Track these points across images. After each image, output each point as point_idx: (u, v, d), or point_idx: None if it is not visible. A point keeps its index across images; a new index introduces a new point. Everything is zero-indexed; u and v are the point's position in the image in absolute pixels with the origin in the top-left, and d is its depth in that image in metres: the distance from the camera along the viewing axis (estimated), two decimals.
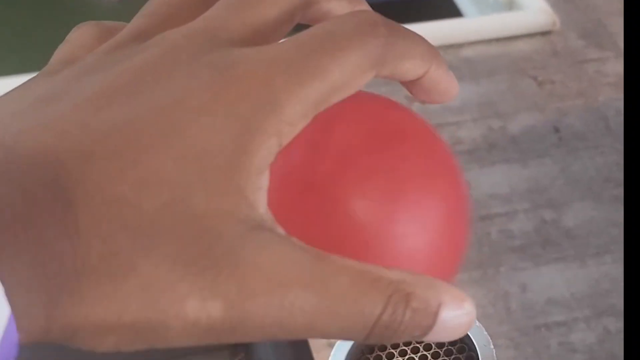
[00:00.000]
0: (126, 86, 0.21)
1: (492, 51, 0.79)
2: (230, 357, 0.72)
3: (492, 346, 0.42)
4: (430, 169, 0.26)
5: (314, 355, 0.57)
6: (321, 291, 0.21)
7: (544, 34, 0.80)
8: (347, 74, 0.22)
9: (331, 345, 0.44)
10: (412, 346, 0.43)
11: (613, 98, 0.77)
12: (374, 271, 0.22)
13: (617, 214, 0.69)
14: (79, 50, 0.24)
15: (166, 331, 0.20)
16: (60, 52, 0.25)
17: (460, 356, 0.43)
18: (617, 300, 0.66)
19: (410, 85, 0.25)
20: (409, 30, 0.23)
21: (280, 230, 0.21)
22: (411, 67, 0.23)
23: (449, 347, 0.43)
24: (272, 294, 0.20)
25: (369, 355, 0.44)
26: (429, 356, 0.43)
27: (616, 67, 0.79)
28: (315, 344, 0.58)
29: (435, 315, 0.22)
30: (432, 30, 0.80)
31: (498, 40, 0.81)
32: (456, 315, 0.22)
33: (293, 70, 0.21)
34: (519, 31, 0.81)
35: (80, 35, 0.24)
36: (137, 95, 0.21)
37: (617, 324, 0.64)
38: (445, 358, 0.43)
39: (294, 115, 0.21)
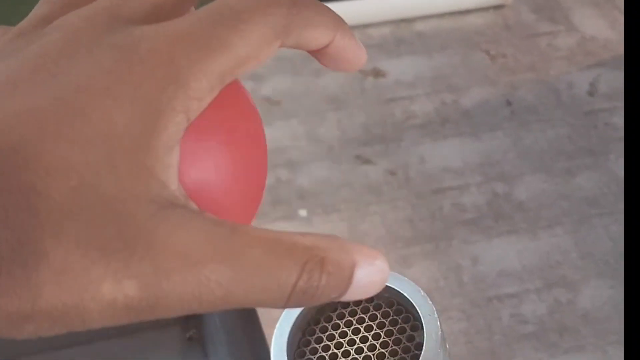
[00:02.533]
0: (29, 74, 0.21)
1: (445, 25, 0.79)
2: (182, 333, 0.72)
3: (436, 315, 0.42)
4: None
5: (265, 330, 0.57)
6: (236, 264, 0.21)
7: (497, 8, 0.80)
8: (251, 46, 0.22)
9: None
10: (357, 317, 0.43)
11: (564, 72, 0.77)
12: (286, 239, 0.22)
13: (568, 186, 0.70)
14: None
15: (84, 314, 0.20)
16: None
17: (405, 326, 0.43)
18: (567, 271, 0.67)
19: (318, 54, 0.25)
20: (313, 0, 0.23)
21: (193, 205, 0.21)
22: (316, 36, 0.24)
23: (395, 317, 0.43)
24: (188, 271, 0.20)
25: (314, 327, 0.44)
26: (375, 326, 0.43)
27: (567, 41, 0.80)
28: (264, 319, 0.58)
29: (350, 276, 0.22)
30: (385, 5, 0.80)
31: (451, 14, 0.81)
32: (369, 272, 0.22)
33: (196, 45, 0.21)
34: (472, 5, 0.81)
35: None
36: (40, 82, 0.20)
37: (567, 295, 0.65)
38: (391, 328, 0.43)
39: (200, 91, 0.21)
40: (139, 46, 0.21)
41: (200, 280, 0.20)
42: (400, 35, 0.78)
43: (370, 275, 0.22)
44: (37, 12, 0.24)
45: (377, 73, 0.72)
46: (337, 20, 0.24)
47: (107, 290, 0.20)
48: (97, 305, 0.20)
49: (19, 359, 0.67)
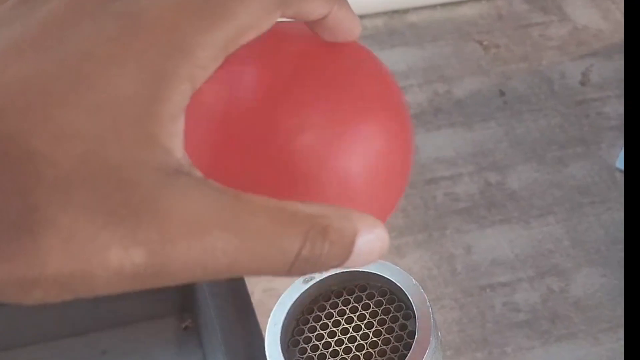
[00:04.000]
0: (33, 40, 0.21)
1: (438, 16, 0.79)
2: (178, 324, 0.72)
3: (428, 304, 0.43)
4: (368, 101, 0.26)
5: (259, 319, 0.57)
6: (240, 232, 0.21)
7: None
8: (253, 15, 0.22)
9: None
10: (350, 306, 0.44)
11: (556, 61, 0.77)
12: (289, 207, 0.22)
13: (560, 175, 0.70)
14: None
15: (91, 281, 0.20)
16: None
17: (398, 314, 0.44)
18: (560, 260, 0.67)
19: (315, 24, 0.26)
20: None
21: (198, 173, 0.22)
22: (315, 7, 0.24)
23: (387, 305, 0.44)
24: (193, 238, 0.21)
25: (308, 316, 0.45)
26: (368, 315, 0.43)
27: (559, 30, 0.80)
28: (258, 309, 0.58)
29: (352, 244, 0.23)
30: None
31: (443, 5, 0.81)
32: (369, 240, 0.23)
33: (200, 13, 0.21)
34: None
35: None
36: (46, 49, 0.21)
37: (559, 284, 0.65)
38: (384, 317, 0.43)
39: (204, 59, 0.21)
40: (143, 14, 0.22)
41: (205, 247, 0.21)
42: (393, 26, 0.78)
43: (370, 243, 0.23)
44: None
45: None
46: None
47: (114, 257, 0.20)
48: (104, 271, 0.20)
49: (14, 349, 0.68)
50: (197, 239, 0.20)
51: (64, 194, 0.19)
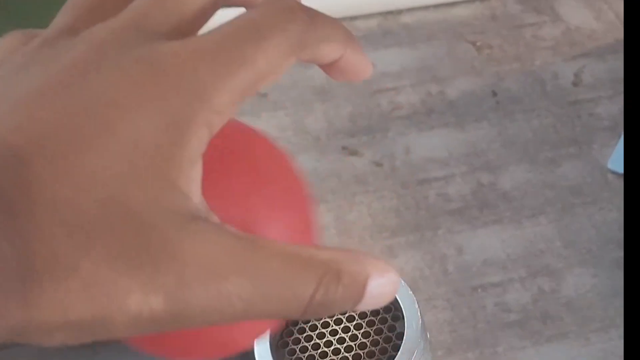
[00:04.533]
0: (57, 86, 0.21)
1: (431, 17, 0.80)
2: None
3: (417, 305, 0.43)
4: (276, 199, 0.28)
5: None
6: (255, 277, 0.21)
7: None
8: (271, 61, 0.23)
9: None
10: None
11: (549, 62, 0.78)
12: (304, 253, 0.23)
13: (552, 175, 0.71)
14: (7, 54, 0.24)
15: (111, 325, 0.20)
16: None
17: (387, 316, 0.44)
18: (551, 260, 0.67)
19: (328, 67, 0.26)
20: (326, 15, 0.24)
21: (215, 218, 0.22)
22: (329, 51, 0.25)
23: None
24: (210, 284, 0.21)
25: (292, 328, 0.45)
26: (357, 316, 0.44)
27: (552, 31, 0.80)
28: None
29: (364, 287, 0.23)
30: None
31: (437, 6, 0.81)
32: (381, 284, 0.23)
33: (220, 61, 0.22)
34: None
35: (7, 41, 0.25)
36: (68, 94, 0.21)
37: (551, 284, 0.66)
38: (373, 318, 0.44)
39: (222, 105, 0.22)
40: (165, 61, 0.22)
41: (222, 293, 0.21)
42: (387, 27, 0.78)
43: (381, 287, 0.24)
44: (61, 20, 0.24)
45: None
46: (349, 35, 0.25)
47: (134, 302, 0.20)
48: (123, 316, 0.21)
49: (6, 349, 0.68)
50: (214, 284, 0.21)
51: (86, 239, 0.20)
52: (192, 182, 0.21)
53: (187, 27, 0.23)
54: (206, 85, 0.21)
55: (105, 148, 0.20)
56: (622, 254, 0.66)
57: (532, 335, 0.63)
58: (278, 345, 0.42)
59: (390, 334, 0.43)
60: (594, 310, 0.64)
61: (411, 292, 0.43)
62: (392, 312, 0.44)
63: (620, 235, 0.67)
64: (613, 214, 0.68)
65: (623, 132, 0.71)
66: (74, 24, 0.23)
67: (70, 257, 0.20)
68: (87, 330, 0.20)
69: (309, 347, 0.43)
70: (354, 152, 0.69)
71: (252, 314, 0.21)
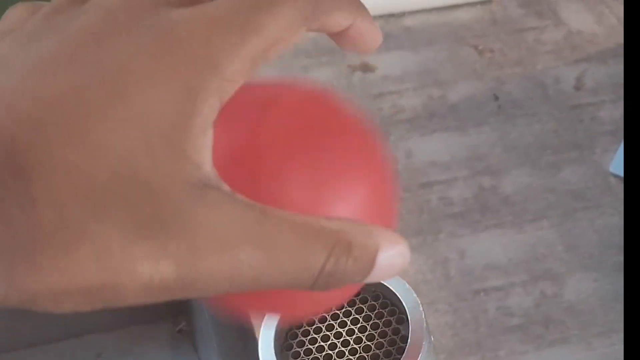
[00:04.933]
0: (70, 53, 0.21)
1: (433, 20, 0.80)
2: (172, 327, 0.73)
3: (421, 308, 0.43)
4: (355, 159, 0.27)
5: (253, 323, 0.57)
6: (267, 247, 0.21)
7: (484, 3, 0.80)
8: (282, 29, 0.23)
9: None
10: (344, 310, 0.44)
11: (551, 66, 0.78)
12: (314, 223, 0.22)
13: (554, 180, 0.71)
14: (17, 24, 0.24)
15: (121, 292, 0.20)
16: None
17: (391, 319, 0.44)
18: (553, 264, 0.67)
19: (337, 36, 0.26)
20: None
21: (226, 187, 0.22)
22: (339, 20, 0.25)
23: (380, 310, 0.44)
24: (222, 252, 0.21)
25: (296, 331, 0.45)
26: (361, 319, 0.43)
27: (554, 35, 0.80)
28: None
29: (374, 259, 0.23)
30: (375, 0, 0.80)
31: (439, 9, 0.81)
32: (390, 255, 0.23)
33: (231, 28, 0.22)
34: (460, 0, 0.81)
35: (16, 12, 0.25)
36: (81, 61, 0.21)
37: (553, 288, 0.66)
38: (377, 321, 0.44)
39: (233, 73, 0.22)
40: (176, 28, 0.22)
41: (233, 261, 0.21)
42: (389, 30, 0.78)
43: (391, 259, 0.23)
44: None
45: (366, 68, 0.73)
46: (358, 3, 0.25)
47: (145, 269, 0.20)
48: (134, 284, 0.21)
49: (9, 352, 0.68)
50: (225, 253, 0.21)
51: (98, 207, 0.20)
52: (204, 150, 0.21)
53: None
54: (218, 53, 0.21)
55: (117, 117, 0.20)
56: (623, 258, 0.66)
57: (534, 339, 0.62)
58: (282, 348, 0.42)
59: (395, 337, 0.43)
60: (595, 314, 0.64)
61: (415, 295, 0.42)
62: (397, 314, 0.44)
63: (622, 239, 0.67)
64: (615, 219, 0.68)
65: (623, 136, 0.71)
66: None
67: (81, 222, 0.20)
68: (97, 296, 0.20)
69: (313, 350, 0.42)
70: None
71: (262, 283, 0.21)
